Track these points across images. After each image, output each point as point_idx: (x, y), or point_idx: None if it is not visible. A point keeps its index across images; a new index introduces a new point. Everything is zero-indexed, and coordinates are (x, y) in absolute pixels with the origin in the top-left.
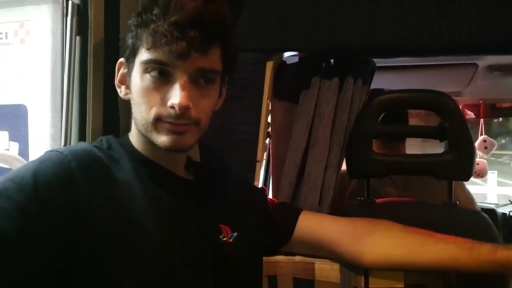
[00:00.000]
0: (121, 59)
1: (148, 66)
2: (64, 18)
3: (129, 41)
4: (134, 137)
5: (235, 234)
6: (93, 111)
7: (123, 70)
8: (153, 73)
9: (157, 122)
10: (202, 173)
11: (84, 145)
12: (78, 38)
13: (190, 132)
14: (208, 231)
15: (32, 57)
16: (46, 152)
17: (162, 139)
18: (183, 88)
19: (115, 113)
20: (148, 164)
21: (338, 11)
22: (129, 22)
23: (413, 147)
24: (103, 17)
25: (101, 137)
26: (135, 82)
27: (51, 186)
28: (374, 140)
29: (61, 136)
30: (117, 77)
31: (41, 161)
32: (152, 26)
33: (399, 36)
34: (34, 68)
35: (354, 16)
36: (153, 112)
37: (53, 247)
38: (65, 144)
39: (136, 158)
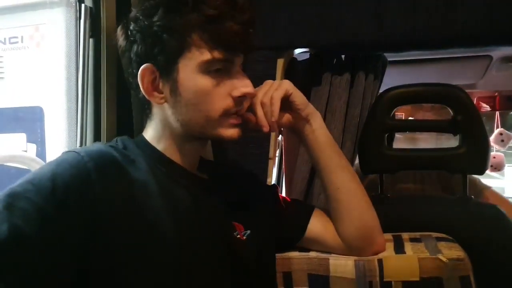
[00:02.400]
0: (147, 65)
1: (211, 65)
2: (78, 21)
3: (166, 45)
4: (154, 137)
5: (248, 231)
6: (107, 112)
7: (150, 76)
8: (216, 71)
9: (222, 117)
10: (215, 171)
11: (99, 145)
12: (91, 40)
13: (242, 123)
14: (222, 228)
15: (47, 60)
16: (63, 153)
17: (229, 132)
18: (245, 78)
19: (128, 114)
20: (164, 162)
21: (346, 6)
22: (162, 23)
23: (428, 141)
24: (115, 20)
25: (116, 137)
26: (190, 84)
27: (69, 188)
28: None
29: (76, 137)
30: (143, 85)
31: (58, 162)
32: (220, 25)
33: (408, 29)
34: (50, 71)
35: (363, 11)
36: (218, 108)
37: (72, 249)
38: (80, 145)
39: (152, 157)
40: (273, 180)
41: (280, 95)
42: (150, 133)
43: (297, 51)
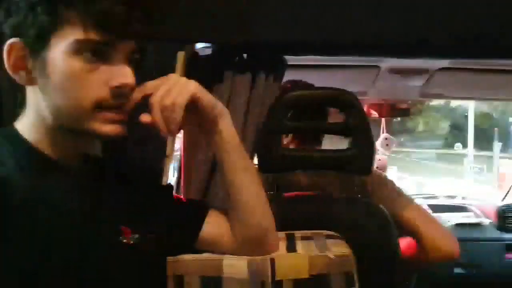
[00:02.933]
0: (14, 40)
1: (83, 46)
2: None
3: (38, 18)
4: (26, 127)
5: (136, 235)
6: None
7: (18, 52)
8: (89, 54)
9: (97, 109)
10: (101, 169)
11: None
12: None
13: (126, 119)
14: (106, 233)
15: None
16: None
17: (105, 128)
18: (127, 67)
19: None
20: (38, 158)
21: (246, 4)
22: None
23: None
24: None
25: None
26: (59, 65)
27: None
28: (290, 139)
29: None
30: (8, 62)
31: None
32: (95, 5)
33: (305, 33)
34: None
35: (263, 12)
36: (91, 97)
37: None
38: None
39: (23, 152)
40: (170, 178)
41: (184, 101)
42: (21, 122)
43: (200, 45)
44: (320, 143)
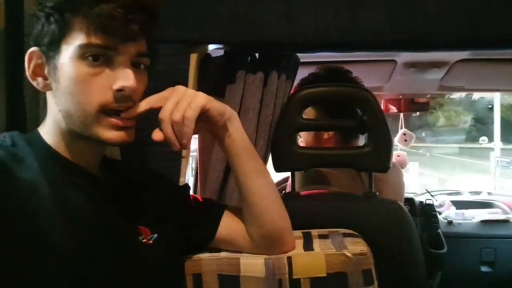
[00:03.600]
0: (34, 49)
1: (87, 50)
2: None
3: (50, 27)
4: (48, 132)
5: (155, 235)
6: None
7: (37, 60)
8: (92, 58)
9: (101, 114)
10: (120, 171)
11: None
12: None
13: (133, 125)
14: (126, 233)
15: None
16: None
17: (109, 135)
18: (129, 70)
19: (20, 108)
20: (60, 161)
21: (256, 4)
22: (45, 4)
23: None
24: (3, 1)
25: (4, 133)
26: (65, 70)
27: None
28: (328, 134)
29: None
30: (29, 69)
31: None
32: (95, 9)
33: (317, 30)
34: None
35: (273, 10)
36: (95, 102)
37: None
38: None
39: (46, 156)
40: (188, 179)
41: (195, 114)
42: (43, 127)
43: (212, 47)
44: (357, 138)
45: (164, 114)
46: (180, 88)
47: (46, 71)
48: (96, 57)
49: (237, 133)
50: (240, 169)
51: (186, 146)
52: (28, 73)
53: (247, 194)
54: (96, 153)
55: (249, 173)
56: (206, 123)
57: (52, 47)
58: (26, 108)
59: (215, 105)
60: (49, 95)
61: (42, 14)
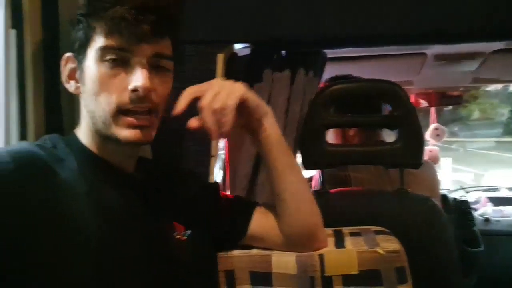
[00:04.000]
0: (67, 54)
1: (105, 53)
2: None
3: (79, 33)
4: (83, 133)
5: (189, 232)
6: (34, 109)
7: (70, 65)
8: (110, 60)
9: (118, 114)
10: (153, 170)
11: (24, 144)
12: (12, 31)
13: (151, 124)
14: (160, 230)
15: None
16: None
17: (124, 133)
18: (144, 70)
19: (58, 111)
20: (96, 162)
21: (282, 2)
22: (78, 12)
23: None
24: (40, 8)
25: (45, 136)
26: (89, 73)
27: None
28: (351, 130)
29: (1, 136)
30: (63, 73)
31: None
32: (109, 12)
33: (345, 26)
34: None
35: (300, 8)
36: (113, 101)
37: None
38: (5, 144)
39: (83, 156)
40: (216, 177)
41: (235, 103)
42: (79, 129)
43: (238, 46)
44: (381, 131)
45: (205, 103)
46: (218, 80)
47: (77, 75)
48: (115, 59)
49: (272, 129)
50: (273, 165)
51: (225, 135)
52: (63, 77)
53: (279, 191)
54: (128, 153)
55: (281, 170)
56: (242, 116)
57: (81, 52)
58: (63, 111)
59: (253, 97)
60: (81, 98)
61: (75, 21)
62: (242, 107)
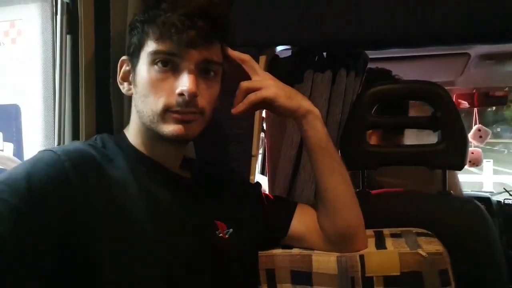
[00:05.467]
0: (124, 57)
1: (156, 57)
2: (54, 17)
3: (134, 38)
4: (132, 133)
5: (231, 230)
6: (86, 110)
7: (125, 68)
8: (161, 64)
9: (165, 113)
10: (197, 170)
11: (77, 144)
12: (68, 36)
13: (196, 121)
14: (204, 227)
15: (24, 56)
16: (39, 152)
17: (169, 128)
18: (191, 76)
19: (108, 111)
20: (144, 161)
21: (325, 4)
22: (134, 19)
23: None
24: (93, 15)
25: (95, 135)
26: (141, 75)
27: (45, 188)
28: (372, 132)
29: (54, 135)
30: (119, 75)
31: (34, 162)
32: (162, 18)
33: (388, 27)
34: (26, 68)
35: (343, 9)
36: (161, 103)
37: (49, 249)
38: (58, 144)
39: (132, 156)
40: (256, 177)
41: (252, 100)
42: (128, 129)
43: (279, 48)
44: (403, 136)
45: (242, 85)
46: (266, 75)
47: (131, 77)
48: (165, 63)
49: (312, 131)
50: (315, 165)
51: (234, 114)
52: (118, 78)
53: (321, 190)
54: (174, 152)
55: (323, 170)
56: (279, 115)
57: (135, 55)
58: (113, 113)
59: (284, 103)
60: (133, 99)
61: (133, 27)
62: (273, 106)
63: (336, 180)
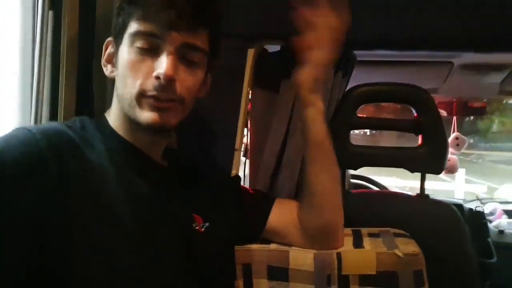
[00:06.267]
0: (109, 38)
1: (136, 38)
2: None
3: (119, 19)
4: (113, 117)
5: (207, 224)
6: (66, 92)
7: (110, 49)
8: (140, 45)
9: (141, 97)
10: (178, 160)
11: (54, 124)
12: (50, 12)
13: (173, 110)
14: (181, 219)
15: (1, 32)
16: (14, 129)
17: (145, 115)
18: (169, 59)
19: (89, 94)
20: (124, 147)
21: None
22: (120, 0)
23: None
24: (77, 5)
25: (74, 117)
26: (122, 56)
27: (19, 165)
28: None
29: (30, 115)
30: (104, 56)
31: (7, 139)
32: None
33: (378, 28)
34: (3, 44)
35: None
36: (137, 85)
37: (20, 228)
38: (35, 123)
39: (111, 140)
40: (240, 171)
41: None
42: (110, 113)
43: (269, 41)
44: None
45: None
46: (327, 22)
47: (114, 59)
48: (145, 44)
49: (311, 124)
50: (307, 159)
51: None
52: (102, 60)
53: (310, 184)
54: (155, 141)
55: (314, 166)
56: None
57: (118, 37)
58: (94, 96)
59: (317, 76)
60: (115, 82)
61: (119, 8)
62: (307, 68)
63: (325, 177)
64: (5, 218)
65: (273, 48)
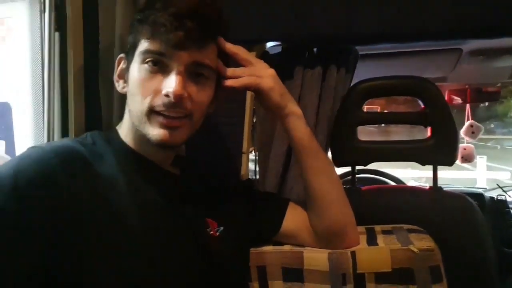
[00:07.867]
0: (121, 55)
1: (146, 56)
2: (42, 14)
3: (131, 37)
4: (125, 131)
5: (221, 228)
6: (75, 107)
7: (122, 65)
8: (150, 63)
9: (151, 113)
10: (188, 167)
11: (66, 141)
12: (56, 34)
13: (183, 127)
14: (194, 225)
15: (13, 54)
16: (28, 148)
17: (155, 132)
18: (178, 77)
19: (97, 109)
20: (134, 157)
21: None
22: (134, 18)
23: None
24: (81, 12)
25: (86, 132)
26: (132, 74)
27: (32, 184)
28: None
29: (43, 132)
30: (116, 72)
31: (21, 158)
32: (152, 17)
33: (379, 22)
34: (16, 65)
35: (333, 4)
36: (147, 102)
37: (36, 246)
38: (47, 141)
39: (122, 152)
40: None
41: (246, 84)
42: (121, 126)
43: (269, 44)
44: None
45: (244, 70)
46: (264, 64)
47: (126, 75)
48: (154, 63)
49: (295, 131)
50: (299, 164)
51: (223, 86)
52: (115, 76)
53: (307, 188)
54: (165, 153)
55: (307, 169)
56: (268, 110)
57: (130, 54)
58: (102, 110)
59: (276, 98)
60: (127, 98)
61: (131, 26)
62: (263, 98)
63: (321, 179)
64: (20, 236)
65: (275, 49)
